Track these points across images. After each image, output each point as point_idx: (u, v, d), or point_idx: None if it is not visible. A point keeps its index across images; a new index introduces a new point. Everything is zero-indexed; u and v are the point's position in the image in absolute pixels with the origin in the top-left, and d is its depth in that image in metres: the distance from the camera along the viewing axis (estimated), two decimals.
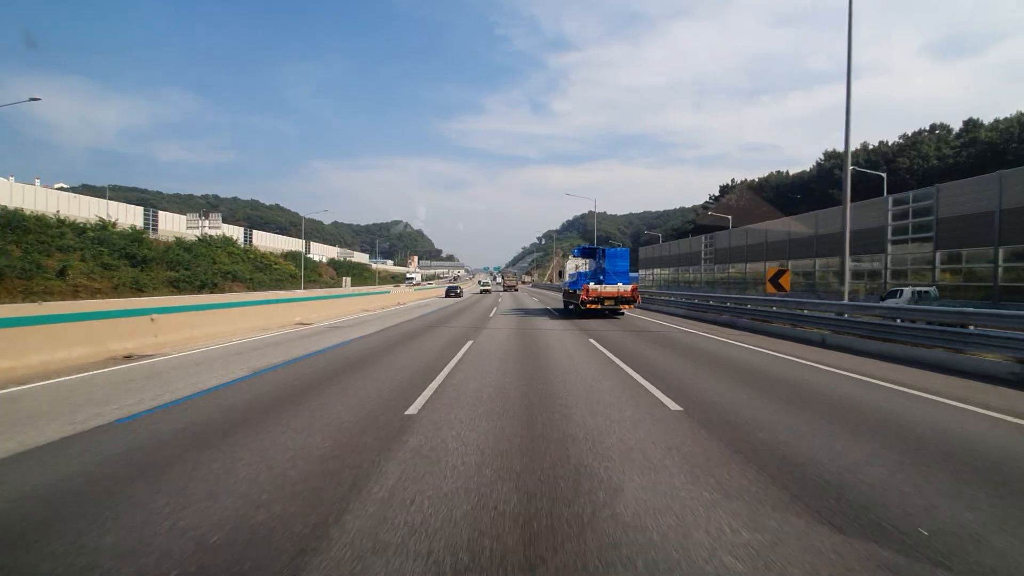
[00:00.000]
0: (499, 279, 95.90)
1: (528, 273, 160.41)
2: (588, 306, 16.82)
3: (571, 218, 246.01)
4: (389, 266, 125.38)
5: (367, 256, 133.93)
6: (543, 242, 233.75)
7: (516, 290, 58.35)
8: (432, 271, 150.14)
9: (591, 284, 17.16)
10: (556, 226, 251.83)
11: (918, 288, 18.55)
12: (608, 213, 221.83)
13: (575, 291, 19.33)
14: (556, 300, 32.54)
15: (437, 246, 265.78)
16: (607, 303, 16.91)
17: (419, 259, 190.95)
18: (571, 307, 20.21)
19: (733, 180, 60.59)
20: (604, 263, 18.30)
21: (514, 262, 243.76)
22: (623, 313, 18.86)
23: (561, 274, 27.29)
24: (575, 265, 23.96)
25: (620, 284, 17.93)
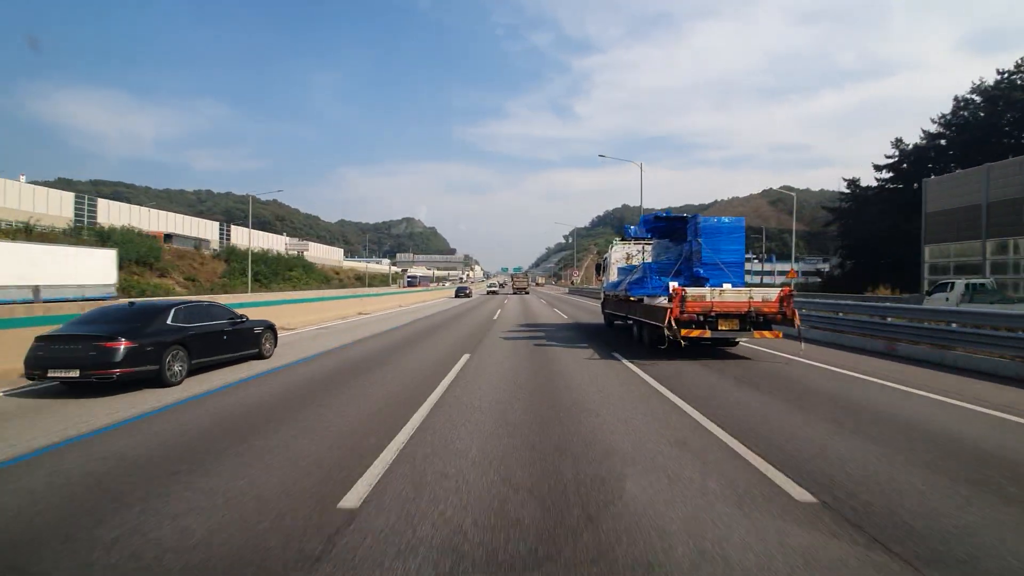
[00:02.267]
0: (503, 281, 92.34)
1: (555, 275, 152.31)
2: (688, 332, 8.92)
3: (601, 213, 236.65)
4: (384, 266, 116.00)
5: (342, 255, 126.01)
6: (569, 240, 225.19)
7: (527, 292, 57.41)
8: (444, 271, 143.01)
9: (686, 288, 8.82)
10: (584, 223, 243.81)
11: (972, 280, 17.68)
12: (645, 207, 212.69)
13: (638, 298, 11.20)
14: (586, 311, 24.15)
15: (452, 246, 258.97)
16: (726, 326, 8.64)
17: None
18: (617, 323, 15.33)
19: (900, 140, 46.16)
20: (701, 245, 9.98)
21: (538, 263, 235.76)
22: (736, 342, 10.50)
23: (600, 269, 18.88)
24: (625, 255, 15.82)
25: (730, 285, 9.72)
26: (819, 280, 52.04)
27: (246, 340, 9.26)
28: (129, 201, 76.65)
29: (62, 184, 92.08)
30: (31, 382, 7.22)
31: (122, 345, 6.62)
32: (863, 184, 48.48)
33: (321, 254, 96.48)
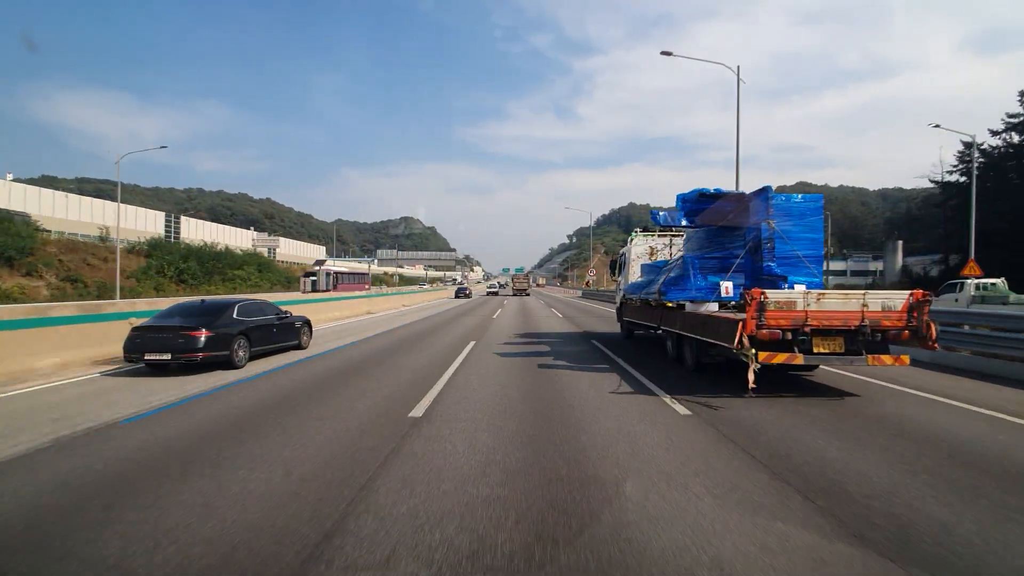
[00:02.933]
0: (504, 282, 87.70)
1: (560, 276, 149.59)
2: (770, 357, 6.21)
3: (607, 212, 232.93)
4: (363, 266, 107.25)
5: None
6: (574, 240, 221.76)
7: (527, 294, 55.63)
8: (439, 272, 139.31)
9: (765, 292, 6.02)
10: (586, 223, 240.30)
11: (983, 280, 17.54)
12: (652, 205, 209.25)
13: (675, 304, 8.67)
14: (597, 317, 21.46)
15: (452, 246, 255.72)
16: (826, 347, 6.26)
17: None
18: (638, 332, 13.32)
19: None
20: (775, 231, 7.23)
21: (541, 264, 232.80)
22: (815, 367, 7.73)
23: (615, 268, 16.07)
24: (648, 249, 13.42)
25: (803, 287, 7.30)
26: (869, 281, 48.26)
27: (290, 332, 11.05)
28: (111, 198, 73.39)
29: (44, 182, 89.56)
30: (119, 365, 9.10)
31: (203, 334, 8.33)
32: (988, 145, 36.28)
33: (295, 252, 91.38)
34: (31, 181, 74.56)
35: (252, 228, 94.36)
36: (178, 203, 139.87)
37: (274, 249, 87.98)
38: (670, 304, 8.96)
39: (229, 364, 8.79)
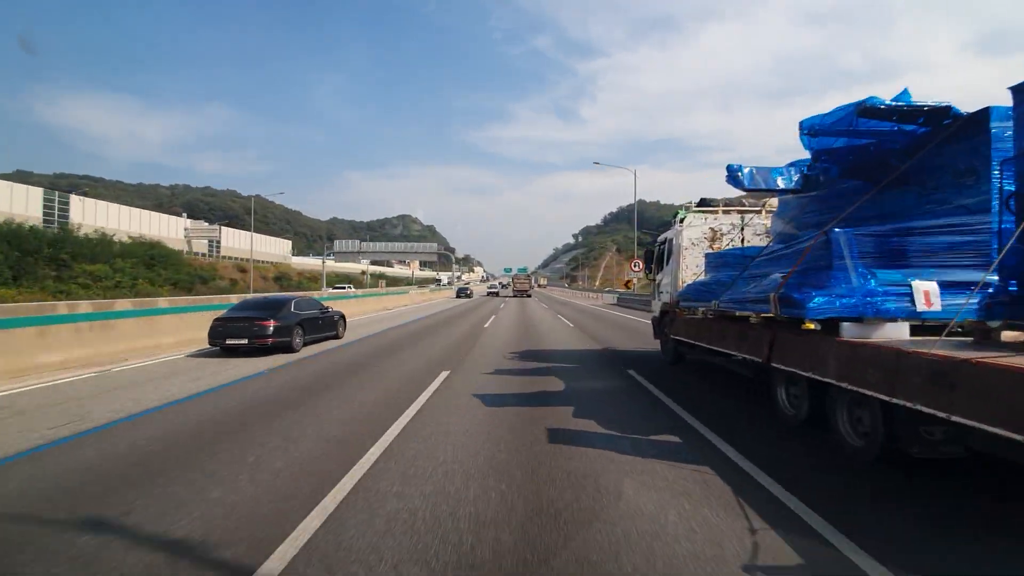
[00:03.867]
0: (505, 282, 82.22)
1: (567, 276, 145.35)
2: None
3: (615, 210, 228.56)
4: (315, 261, 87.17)
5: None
6: (580, 239, 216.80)
7: (528, 295, 54.60)
8: (432, 271, 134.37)
9: None
10: (596, 221, 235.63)
11: None
12: (662, 202, 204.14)
13: (814, 322, 4.98)
14: (619, 328, 17.60)
15: (452, 245, 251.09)
16: None
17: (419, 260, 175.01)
18: (687, 355, 9.49)
19: None
20: None
21: (545, 264, 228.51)
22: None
23: (654, 261, 11.67)
24: (708, 232, 10.11)
25: None
26: None
27: (330, 324, 13.60)
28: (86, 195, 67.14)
29: (18, 176, 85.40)
30: (196, 348, 11.78)
31: (272, 324, 10.83)
32: None
33: (248, 245, 70.03)
34: (7, 177, 69.19)
35: (223, 223, 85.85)
36: (159, 199, 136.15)
37: (215, 242, 77.00)
38: (809, 325, 4.95)
39: (289, 348, 11.17)
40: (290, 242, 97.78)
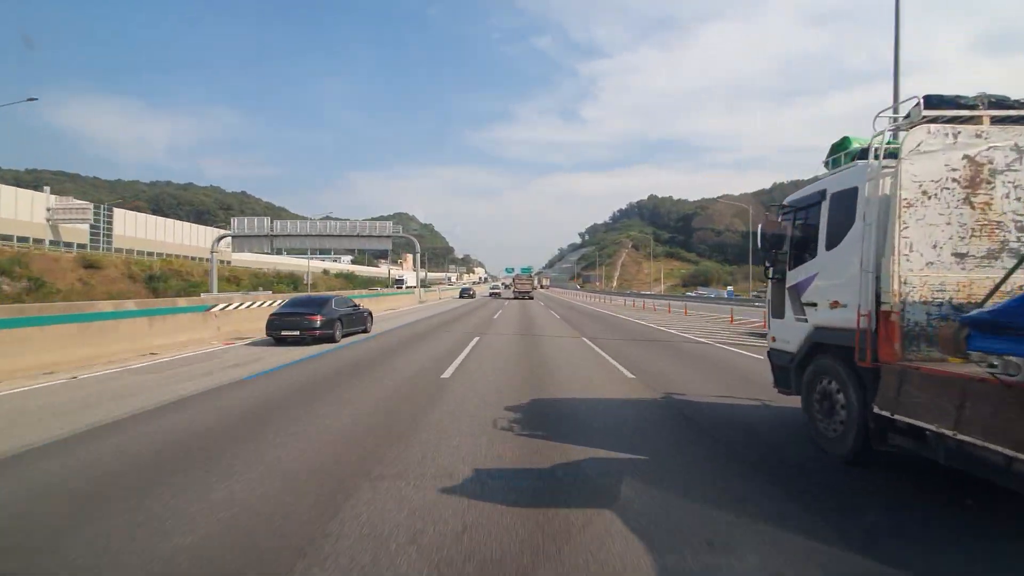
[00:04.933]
0: (508, 283, 79.25)
1: (578, 275, 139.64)
2: None
3: (624, 206, 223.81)
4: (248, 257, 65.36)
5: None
6: (587, 237, 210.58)
7: (531, 297, 53.25)
8: (431, 273, 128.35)
9: None
10: (603, 219, 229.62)
11: None
12: (675, 197, 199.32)
13: None
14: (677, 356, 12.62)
15: (451, 244, 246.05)
16: None
17: (413, 259, 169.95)
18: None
19: None
20: None
21: (552, 264, 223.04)
22: None
23: (787, 242, 6.24)
24: (960, 165, 4.39)
25: None
26: None
27: (360, 320, 15.75)
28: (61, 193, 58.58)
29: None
30: (248, 338, 14.15)
31: (319, 318, 13.05)
32: None
33: (151, 233, 59.75)
34: None
35: (201, 220, 79.35)
36: (135, 193, 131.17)
37: (104, 229, 58.78)
38: None
39: (331, 339, 13.36)
40: (218, 231, 61.02)
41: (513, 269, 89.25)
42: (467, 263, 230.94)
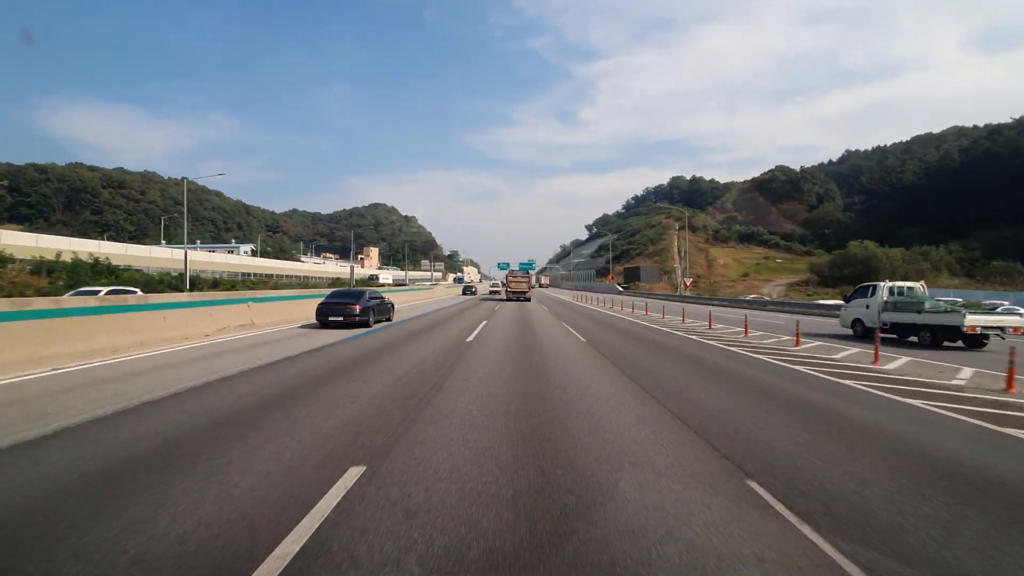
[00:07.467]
0: (500, 281, 67.25)
1: (603, 271, 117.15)
2: None
3: (641, 193, 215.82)
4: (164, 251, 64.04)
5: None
6: (594, 231, 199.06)
7: (528, 299, 45.71)
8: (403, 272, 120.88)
9: None
10: (615, 208, 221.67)
11: (898, 285, 18.88)
12: (706, 178, 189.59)
13: None
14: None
15: (440, 243, 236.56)
16: None
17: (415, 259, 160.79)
18: None
19: None
20: None
21: (557, 260, 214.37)
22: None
23: None
24: None
25: None
26: None
27: (386, 309, 20.96)
28: None
29: None
30: (301, 321, 19.41)
31: (358, 307, 17.92)
32: None
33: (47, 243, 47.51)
34: None
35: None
36: None
37: None
38: None
39: (366, 325, 18.13)
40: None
41: (507, 265, 76.43)
42: (454, 260, 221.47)
